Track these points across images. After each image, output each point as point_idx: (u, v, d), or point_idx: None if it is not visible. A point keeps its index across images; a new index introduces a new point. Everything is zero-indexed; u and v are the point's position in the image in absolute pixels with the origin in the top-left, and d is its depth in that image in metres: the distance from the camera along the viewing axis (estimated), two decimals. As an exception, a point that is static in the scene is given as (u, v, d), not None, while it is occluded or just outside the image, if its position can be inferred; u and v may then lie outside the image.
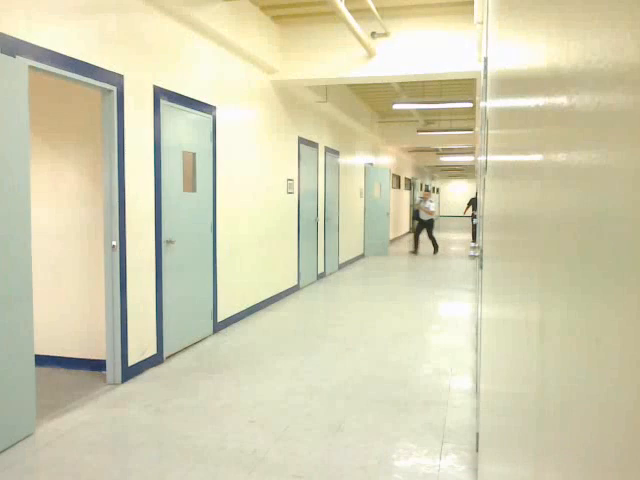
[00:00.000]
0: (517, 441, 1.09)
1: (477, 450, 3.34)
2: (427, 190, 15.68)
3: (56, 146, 4.98)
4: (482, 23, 4.86)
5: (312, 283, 10.07)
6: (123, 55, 4.63)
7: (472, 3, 6.12)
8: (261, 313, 7.50)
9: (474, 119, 13.57)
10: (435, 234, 16.09)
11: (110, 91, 4.48)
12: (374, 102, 13.13)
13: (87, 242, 4.95)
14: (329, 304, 8.75)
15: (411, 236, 22.96)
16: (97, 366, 4.89)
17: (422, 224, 15.24)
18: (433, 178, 37.04)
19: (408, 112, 13.65)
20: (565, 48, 0.61)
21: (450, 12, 7.07)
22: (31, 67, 3.66)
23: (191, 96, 5.73)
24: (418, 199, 15.76)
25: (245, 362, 5.30)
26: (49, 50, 3.84)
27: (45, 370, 4.90)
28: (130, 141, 4.71)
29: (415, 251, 15.29)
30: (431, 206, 15.07)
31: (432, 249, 15.82)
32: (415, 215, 15.68)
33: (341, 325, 6.93)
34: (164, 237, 5.29)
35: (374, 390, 4.56)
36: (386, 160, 18.03)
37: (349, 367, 5.16)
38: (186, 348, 5.73)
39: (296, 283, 9.27)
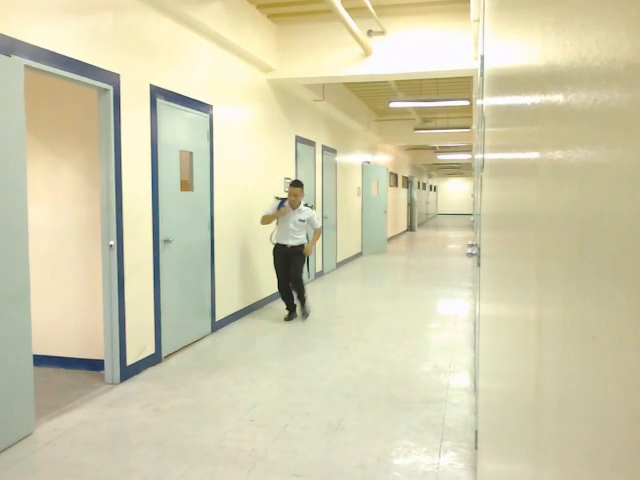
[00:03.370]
0: (516, 438, 1.09)
1: (476, 448, 3.35)
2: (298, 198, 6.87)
3: (53, 146, 4.97)
4: (478, 21, 4.86)
5: (310, 282, 10.07)
6: (119, 54, 4.62)
7: (468, 1, 6.11)
8: (259, 312, 7.49)
9: (471, 117, 13.58)
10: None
11: (106, 90, 4.47)
12: (371, 100, 13.12)
13: (84, 241, 4.94)
14: (327, 303, 8.76)
15: (409, 236, 22.85)
16: (95, 366, 4.88)
17: (290, 255, 6.83)
18: (430, 176, 37.05)
19: (405, 110, 13.64)
20: (561, 45, 0.61)
21: (446, 10, 7.07)
22: (27, 66, 3.65)
23: (188, 95, 5.72)
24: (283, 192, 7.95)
25: (244, 361, 5.30)
26: (45, 49, 3.83)
27: (43, 370, 4.89)
28: (127, 140, 4.70)
29: (292, 313, 7.02)
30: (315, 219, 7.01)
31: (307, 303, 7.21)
32: (280, 246, 6.88)
33: (340, 323, 6.93)
34: (161, 236, 5.28)
35: (373, 388, 4.56)
36: (383, 158, 18.03)
37: (348, 365, 5.16)
38: (184, 347, 5.72)
39: (294, 282, 9.25)
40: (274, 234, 6.93)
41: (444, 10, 7.07)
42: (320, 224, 7.08)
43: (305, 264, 7.05)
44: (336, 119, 11.77)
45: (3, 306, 3.40)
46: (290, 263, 6.81)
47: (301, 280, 6.94)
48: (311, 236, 7.10)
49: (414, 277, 11.23)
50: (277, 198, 6.98)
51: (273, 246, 6.92)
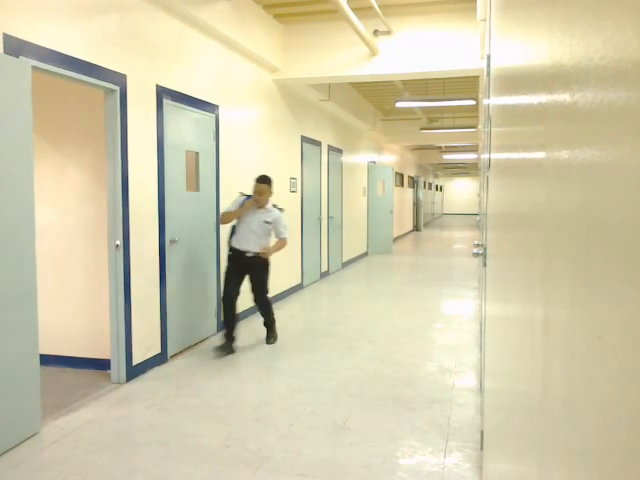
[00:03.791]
0: (521, 439, 1.09)
1: (482, 448, 3.34)
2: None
3: (59, 146, 4.99)
4: (485, 20, 4.85)
5: (316, 282, 10.07)
6: (126, 55, 4.64)
7: (475, 0, 6.10)
8: (265, 312, 7.49)
9: (477, 116, 13.54)
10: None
11: (113, 91, 4.48)
12: (377, 100, 13.11)
13: (91, 241, 4.96)
14: (333, 303, 8.75)
15: (414, 236, 22.80)
16: (102, 365, 4.90)
17: (251, 266, 5.67)
18: (436, 176, 36.98)
19: (411, 110, 13.61)
20: (567, 45, 0.61)
21: (453, 9, 7.05)
22: (34, 67, 3.66)
23: (194, 95, 5.73)
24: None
25: (249, 361, 5.30)
26: (52, 50, 3.84)
27: (50, 369, 4.91)
28: (133, 140, 4.72)
29: (228, 343, 5.54)
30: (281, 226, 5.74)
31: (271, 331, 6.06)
32: (238, 253, 5.63)
33: (345, 323, 6.93)
34: (167, 236, 5.29)
35: (378, 388, 4.56)
36: (389, 158, 18.01)
37: (353, 365, 5.15)
38: (190, 347, 5.73)
39: (300, 282, 9.27)
40: (233, 237, 5.68)
41: (450, 10, 7.06)
42: (286, 234, 5.72)
43: (267, 280, 5.77)
44: (342, 119, 11.77)
45: (10, 306, 3.42)
46: (251, 276, 5.66)
47: (267, 298, 5.84)
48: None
49: (420, 277, 11.21)
50: (242, 194, 5.72)
51: (228, 252, 5.70)
